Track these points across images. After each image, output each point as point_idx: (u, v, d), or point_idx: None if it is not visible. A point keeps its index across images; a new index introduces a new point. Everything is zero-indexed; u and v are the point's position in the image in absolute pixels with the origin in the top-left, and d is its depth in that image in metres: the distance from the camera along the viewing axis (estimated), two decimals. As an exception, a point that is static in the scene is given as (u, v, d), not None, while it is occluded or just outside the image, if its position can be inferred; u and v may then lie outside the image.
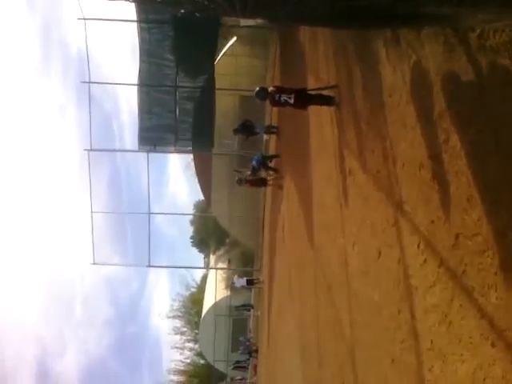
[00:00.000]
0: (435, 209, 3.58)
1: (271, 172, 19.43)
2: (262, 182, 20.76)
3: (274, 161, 19.18)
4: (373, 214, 5.33)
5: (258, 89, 9.12)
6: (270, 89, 8.64)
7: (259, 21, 15.89)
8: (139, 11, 16.01)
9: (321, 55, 9.48)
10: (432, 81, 3.71)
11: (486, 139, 2.92)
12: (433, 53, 3.67)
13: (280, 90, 8.63)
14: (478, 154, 3.03)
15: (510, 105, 2.70)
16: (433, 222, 3.61)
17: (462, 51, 3.16)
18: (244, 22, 18.06)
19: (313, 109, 9.88)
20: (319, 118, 9.14)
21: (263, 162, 18.57)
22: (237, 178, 19.81)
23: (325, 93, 8.22)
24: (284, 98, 8.31)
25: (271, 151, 21.33)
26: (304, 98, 8.45)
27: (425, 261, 3.75)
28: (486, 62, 2.91)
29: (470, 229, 3.05)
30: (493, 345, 2.76)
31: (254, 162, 18.22)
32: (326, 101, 8.17)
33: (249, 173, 19.36)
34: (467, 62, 3.12)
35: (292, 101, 8.29)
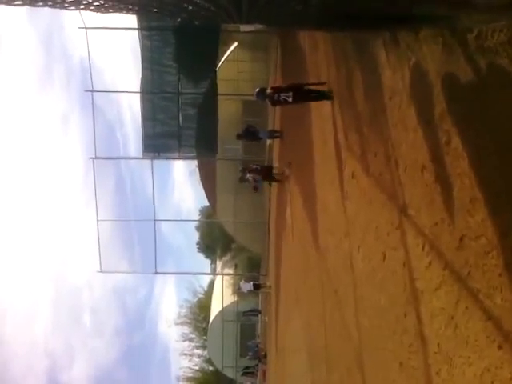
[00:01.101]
0: (439, 211, 3.56)
1: (274, 183, 19.49)
2: (268, 171, 19.67)
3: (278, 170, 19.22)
4: (377, 216, 5.30)
5: (257, 90, 9.55)
6: (268, 91, 8.94)
7: (259, 26, 15.96)
8: (140, 19, 16.10)
9: (321, 58, 9.49)
10: (432, 82, 3.70)
11: (488, 140, 2.90)
12: (431, 54, 3.66)
13: (277, 89, 8.93)
14: (480, 155, 3.01)
15: (509, 105, 2.68)
16: (436, 224, 3.59)
17: (461, 52, 3.15)
18: (244, 27, 18.13)
19: (315, 112, 9.92)
20: (322, 121, 9.15)
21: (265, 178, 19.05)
22: (240, 169, 19.17)
23: (322, 88, 8.42)
24: (283, 96, 8.56)
25: (274, 157, 21.30)
26: (301, 95, 8.72)
27: (430, 263, 3.72)
28: (485, 62, 2.89)
29: (473, 230, 3.02)
30: (500, 347, 2.73)
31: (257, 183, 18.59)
32: (323, 96, 8.43)
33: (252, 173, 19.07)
34: (466, 63, 3.11)
35: (291, 99, 8.55)
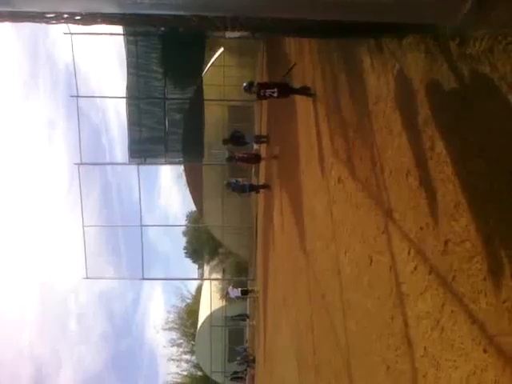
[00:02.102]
0: (424, 215, 3.60)
1: (262, 190, 19.60)
2: (256, 159, 19.55)
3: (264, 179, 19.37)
4: (363, 221, 5.34)
5: (246, 83, 10.31)
6: (254, 87, 9.86)
7: (244, 33, 16.08)
8: (125, 25, 16.04)
9: (307, 63, 9.55)
10: (416, 89, 3.75)
11: (471, 145, 2.94)
12: (415, 61, 3.71)
13: (263, 86, 9.86)
14: (464, 161, 3.05)
15: (491, 111, 2.73)
16: (421, 228, 3.63)
17: (444, 59, 3.19)
18: (229, 34, 18.21)
19: (301, 117, 9.97)
20: (308, 126, 9.20)
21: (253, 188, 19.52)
22: (227, 156, 18.43)
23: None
24: (268, 92, 9.51)
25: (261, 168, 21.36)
26: (286, 91, 9.67)
27: (415, 267, 3.76)
28: (468, 69, 2.94)
29: (458, 235, 3.06)
30: (485, 350, 2.77)
31: (245, 184, 18.65)
32: (305, 91, 9.23)
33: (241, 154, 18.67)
34: (449, 70, 3.15)
35: (276, 94, 9.49)
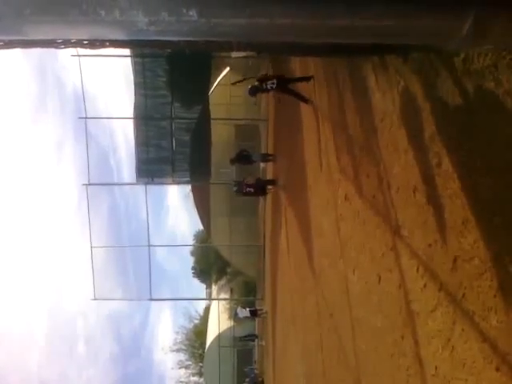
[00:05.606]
0: (432, 232, 3.57)
1: (269, 187, 19.29)
2: (262, 190, 19.05)
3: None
4: (371, 238, 5.30)
5: (249, 87, 11.04)
6: (256, 83, 10.61)
7: (250, 52, 16.28)
8: (133, 46, 16.26)
9: (312, 82, 9.60)
10: (421, 105, 3.75)
11: (477, 161, 2.93)
12: (420, 77, 3.72)
13: (263, 79, 10.45)
14: (471, 177, 3.03)
15: (496, 126, 2.72)
16: (430, 245, 3.60)
17: (448, 75, 3.20)
18: (235, 53, 18.41)
19: (307, 134, 10.01)
20: (314, 143, 9.22)
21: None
22: (235, 188, 17.82)
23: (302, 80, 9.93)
24: (269, 84, 10.05)
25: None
26: (284, 85, 10.23)
27: (425, 285, 3.72)
28: (472, 85, 2.94)
29: (466, 252, 3.03)
30: (497, 369, 2.71)
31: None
32: (301, 97, 9.87)
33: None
34: (454, 86, 3.16)
35: (275, 86, 10.08)
